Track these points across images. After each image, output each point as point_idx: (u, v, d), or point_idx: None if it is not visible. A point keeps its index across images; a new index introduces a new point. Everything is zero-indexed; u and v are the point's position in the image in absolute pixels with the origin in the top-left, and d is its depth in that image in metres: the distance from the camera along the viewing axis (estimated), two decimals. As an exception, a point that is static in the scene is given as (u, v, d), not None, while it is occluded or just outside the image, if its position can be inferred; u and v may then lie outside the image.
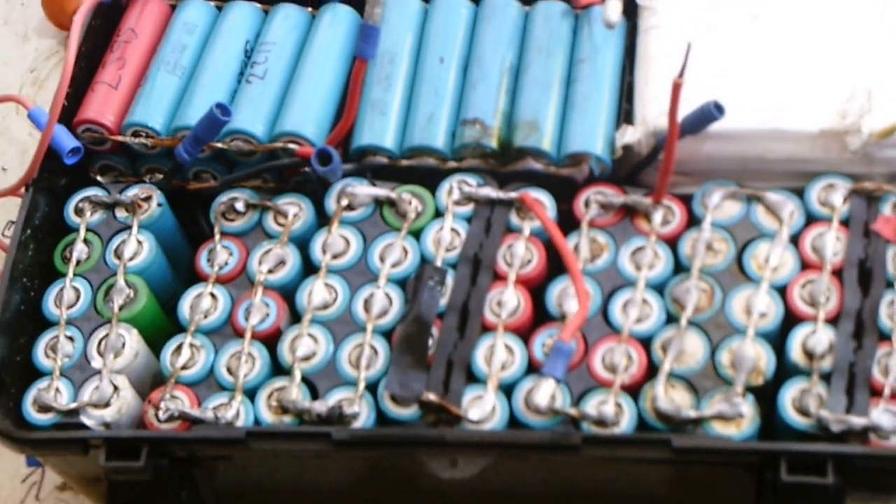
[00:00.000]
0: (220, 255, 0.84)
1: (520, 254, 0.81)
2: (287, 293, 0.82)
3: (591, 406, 0.76)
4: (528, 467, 0.78)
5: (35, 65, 1.13)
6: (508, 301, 0.79)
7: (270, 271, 0.82)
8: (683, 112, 0.77)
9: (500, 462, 0.76)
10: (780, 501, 0.74)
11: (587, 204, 0.82)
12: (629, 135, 0.83)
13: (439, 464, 0.77)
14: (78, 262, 0.84)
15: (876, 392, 0.75)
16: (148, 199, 0.86)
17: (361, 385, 0.78)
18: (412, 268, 0.81)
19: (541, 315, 0.80)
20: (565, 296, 0.79)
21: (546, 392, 0.75)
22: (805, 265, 0.79)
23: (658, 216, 0.81)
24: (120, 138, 0.87)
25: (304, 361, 0.79)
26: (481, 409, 0.76)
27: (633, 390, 0.76)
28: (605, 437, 0.75)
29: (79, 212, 0.86)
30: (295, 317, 0.82)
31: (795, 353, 0.76)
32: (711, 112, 0.79)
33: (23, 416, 0.80)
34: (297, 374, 0.79)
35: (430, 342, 0.78)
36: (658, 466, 0.77)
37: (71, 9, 1.08)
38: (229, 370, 0.80)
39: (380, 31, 0.81)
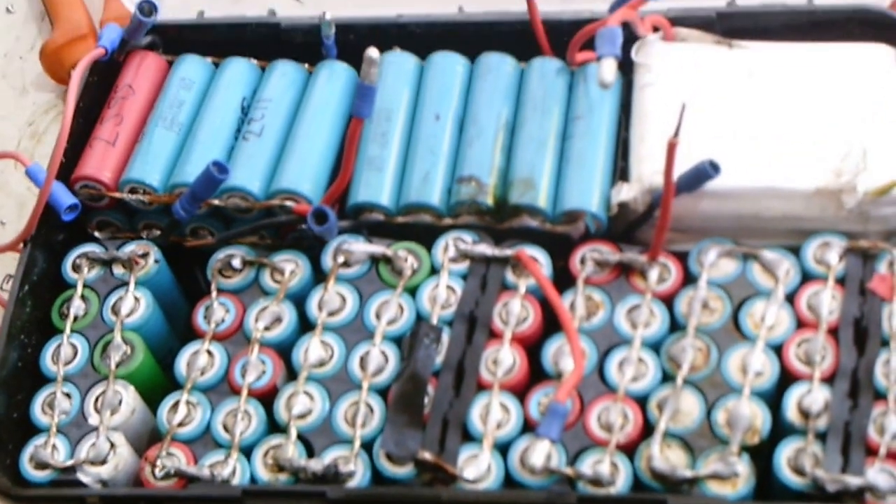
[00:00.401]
0: (217, 312, 0.84)
1: (515, 311, 0.81)
2: (283, 350, 0.82)
3: (587, 465, 0.76)
4: (524, 526, 0.78)
5: (33, 118, 1.13)
6: (504, 359, 0.79)
7: (267, 328, 0.82)
8: (679, 170, 0.77)
9: (495, 521, 0.76)
10: (776, 562, 0.74)
11: (583, 261, 0.82)
12: (625, 192, 0.83)
13: (435, 523, 0.77)
14: (75, 319, 0.84)
15: (872, 452, 0.74)
16: (145, 255, 0.86)
17: (357, 443, 0.78)
18: (408, 325, 0.81)
19: (537, 373, 0.80)
20: (561, 354, 0.79)
21: (541, 452, 0.75)
22: (801, 324, 0.79)
23: (654, 274, 0.81)
24: (117, 195, 0.87)
25: (300, 419, 0.79)
26: (477, 468, 0.76)
27: (629, 449, 0.76)
28: (600, 498, 0.75)
29: (76, 268, 0.86)
30: (291, 374, 0.81)
31: (791, 412, 0.76)
32: (707, 170, 0.79)
33: (20, 472, 0.80)
34: (293, 432, 0.79)
35: (426, 400, 0.78)
36: (653, 527, 0.77)
37: (69, 63, 1.08)
38: (226, 427, 0.80)
39: (376, 91, 0.81)
